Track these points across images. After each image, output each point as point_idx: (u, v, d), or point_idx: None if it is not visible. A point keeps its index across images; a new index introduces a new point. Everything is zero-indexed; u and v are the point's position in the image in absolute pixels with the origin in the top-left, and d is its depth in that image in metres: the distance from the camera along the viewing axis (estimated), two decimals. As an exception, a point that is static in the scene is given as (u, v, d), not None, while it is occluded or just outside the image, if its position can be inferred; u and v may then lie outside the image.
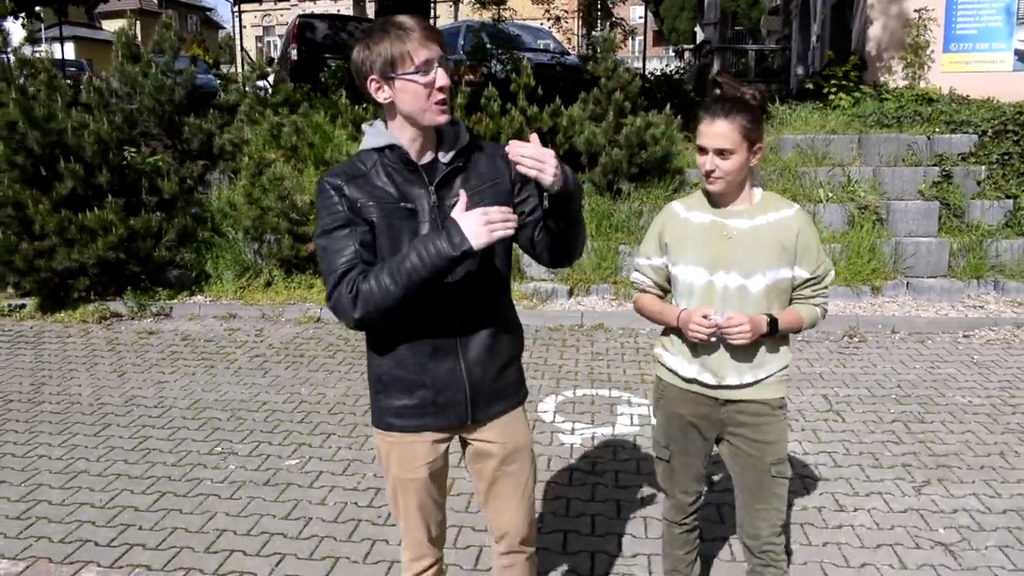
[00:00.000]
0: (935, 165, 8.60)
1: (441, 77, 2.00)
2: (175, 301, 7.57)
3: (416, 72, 1.98)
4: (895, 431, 4.73)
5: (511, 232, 1.95)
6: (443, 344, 2.13)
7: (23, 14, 16.50)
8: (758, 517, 2.53)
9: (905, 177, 8.48)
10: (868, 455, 4.40)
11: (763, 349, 2.47)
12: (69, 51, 43.93)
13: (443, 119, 2.05)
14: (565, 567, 3.33)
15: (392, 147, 2.07)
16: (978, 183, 8.53)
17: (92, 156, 7.29)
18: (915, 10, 11.54)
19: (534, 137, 2.03)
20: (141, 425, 4.92)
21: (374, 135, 2.12)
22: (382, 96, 2.03)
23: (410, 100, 2.01)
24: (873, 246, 7.84)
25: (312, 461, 4.41)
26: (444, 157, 2.11)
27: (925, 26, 11.49)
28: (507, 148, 1.99)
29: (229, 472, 4.28)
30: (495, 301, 2.22)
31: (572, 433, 4.73)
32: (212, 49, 42.93)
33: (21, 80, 7.23)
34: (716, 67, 23.66)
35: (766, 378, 2.49)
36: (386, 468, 2.26)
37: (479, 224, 1.91)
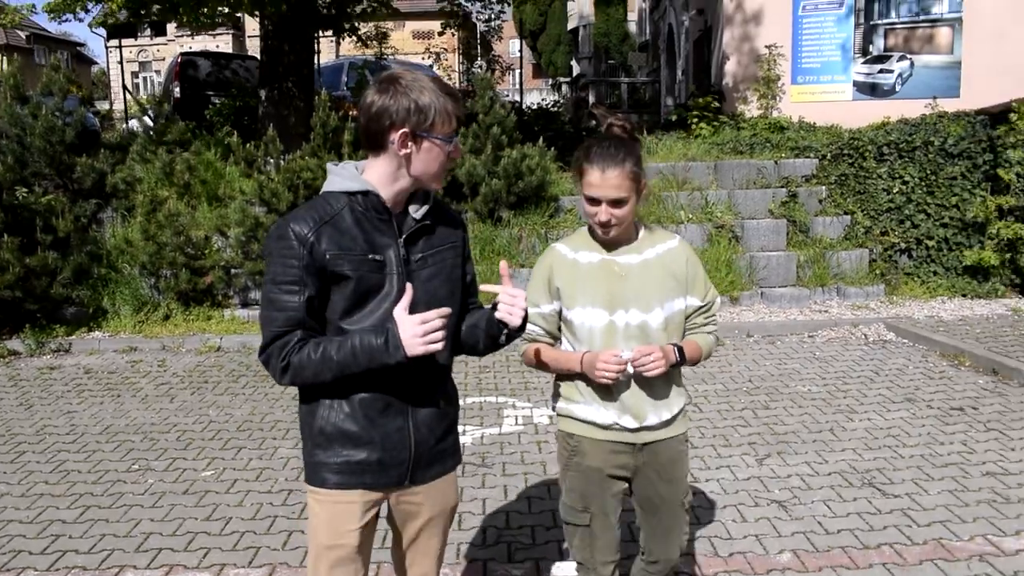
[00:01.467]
0: (782, 187, 9.58)
1: (457, 149, 2.07)
2: (73, 337, 7.72)
3: (448, 139, 2.01)
4: (744, 417, 5.45)
5: (441, 347, 1.95)
6: (396, 401, 2.09)
7: None
8: (671, 543, 2.58)
9: (756, 198, 9.42)
10: (720, 437, 5.10)
11: (671, 383, 2.50)
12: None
13: (440, 184, 2.11)
14: (460, 543, 3.85)
15: (367, 193, 2.03)
16: (820, 201, 9.55)
17: (-17, 197, 7.43)
18: (765, 46, 12.69)
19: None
20: (56, 451, 5.17)
21: (346, 178, 2.06)
22: (403, 151, 1.99)
23: (431, 162, 2.02)
24: (730, 261, 8.70)
25: (227, 472, 4.78)
26: (415, 212, 2.10)
27: (775, 60, 12.64)
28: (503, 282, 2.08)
29: (149, 485, 4.61)
30: (448, 360, 2.20)
31: (464, 434, 5.26)
32: (85, 84, 41.82)
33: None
34: (592, 98, 24.82)
35: (677, 412, 2.51)
36: (313, 532, 2.16)
37: (415, 335, 1.91)
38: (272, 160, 8.65)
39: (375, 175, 2.04)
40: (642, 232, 2.51)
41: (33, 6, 12.15)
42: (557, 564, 3.40)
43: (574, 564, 2.65)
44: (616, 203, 2.33)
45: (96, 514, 4.24)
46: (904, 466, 4.59)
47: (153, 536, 3.99)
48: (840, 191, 9.57)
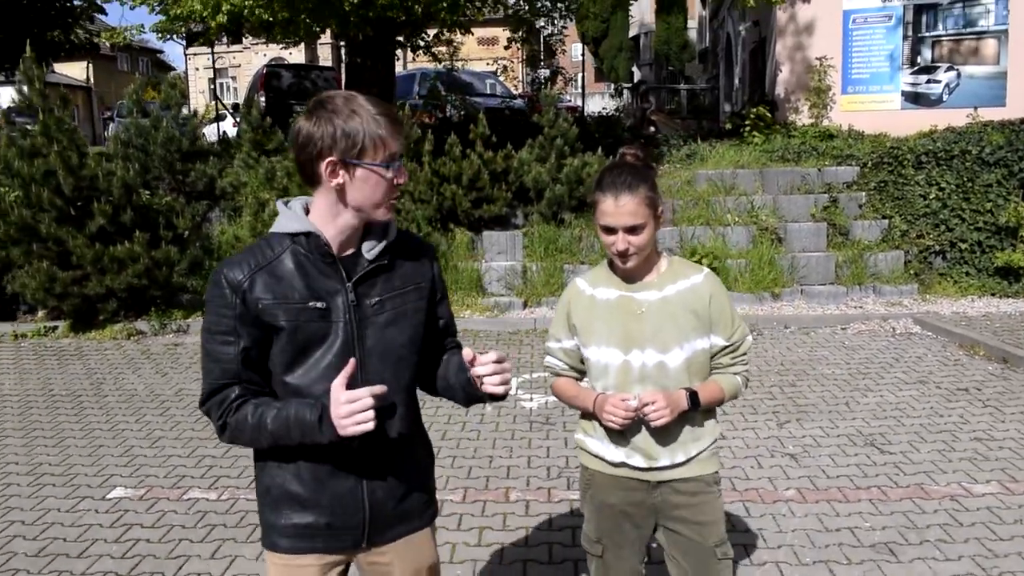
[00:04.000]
0: (824, 192, 10.34)
1: (402, 174, 1.91)
2: (190, 320, 8.89)
3: (384, 165, 1.85)
4: (772, 392, 6.31)
5: (370, 428, 1.79)
6: (344, 462, 1.95)
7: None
8: None
9: (799, 203, 10.20)
10: (748, 407, 5.96)
11: (687, 426, 2.38)
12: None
13: (390, 217, 1.95)
14: (529, 481, 4.80)
15: (308, 234, 1.89)
16: (859, 206, 10.27)
17: (118, 198, 8.63)
18: (816, 58, 13.39)
19: (467, 352, 1.97)
20: (194, 408, 6.26)
21: (290, 218, 1.93)
22: (334, 181, 1.84)
23: (368, 192, 1.86)
24: (772, 260, 9.49)
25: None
26: (368, 252, 1.95)
27: (825, 72, 13.34)
28: (472, 367, 1.95)
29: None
30: (405, 414, 2.04)
31: (531, 401, 6.22)
32: (165, 90, 44.18)
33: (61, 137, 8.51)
34: (652, 105, 25.55)
35: (698, 454, 2.41)
36: None
37: (343, 416, 1.78)
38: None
39: (317, 212, 1.91)
40: (664, 265, 2.42)
41: (142, 26, 13.44)
42: None
43: None
44: (632, 230, 2.27)
45: (237, 451, 5.30)
46: (903, 432, 5.41)
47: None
48: (879, 197, 10.27)
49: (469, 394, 2.03)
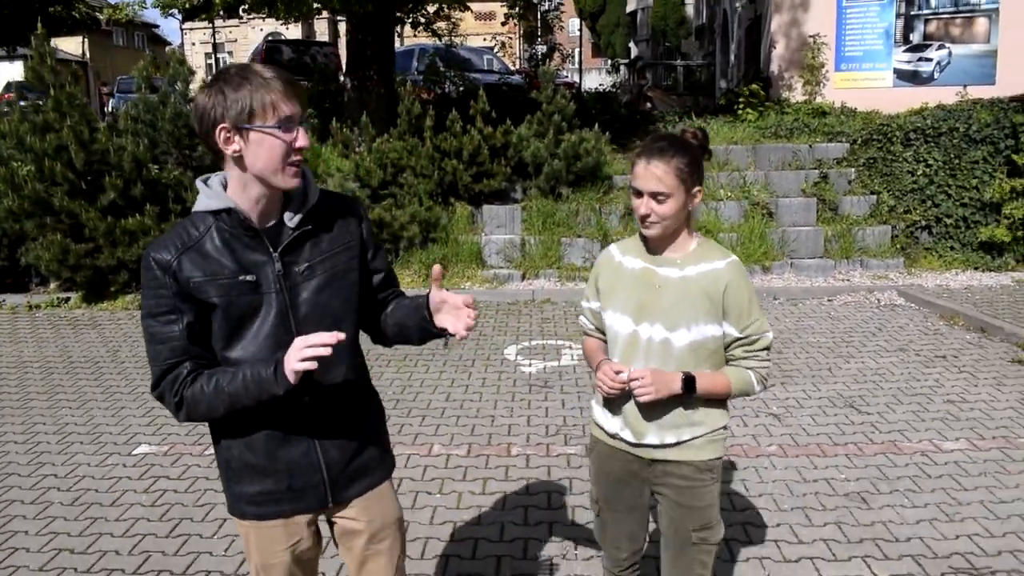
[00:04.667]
0: (815, 169, 10.62)
1: (301, 137, 1.89)
2: (199, 291, 9.17)
3: (277, 127, 1.84)
4: (759, 358, 6.61)
5: (314, 366, 1.81)
6: (295, 427, 2.02)
7: None
8: None
9: (790, 179, 10.48)
10: (736, 372, 6.27)
11: (680, 409, 2.36)
12: (19, 70, 44.52)
13: (295, 182, 1.92)
14: (529, 437, 5.12)
15: (229, 211, 1.91)
16: (849, 182, 10.56)
17: (129, 172, 8.88)
18: (810, 35, 13.61)
19: (436, 269, 2.01)
20: (209, 372, 6.56)
21: (210, 196, 1.94)
22: (231, 148, 1.85)
23: (264, 157, 1.86)
24: (763, 234, 9.79)
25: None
26: (290, 220, 1.96)
27: (819, 49, 13.56)
28: (437, 289, 2.01)
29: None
30: (354, 373, 2.10)
31: (530, 366, 6.54)
32: (173, 66, 44.10)
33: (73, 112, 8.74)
34: (649, 81, 25.70)
35: (691, 439, 2.39)
36: (248, 553, 2.16)
37: (295, 349, 1.82)
38: (364, 142, 9.98)
39: (233, 186, 1.93)
40: (693, 245, 2.40)
41: (144, 2, 13.59)
42: None
43: None
44: (657, 197, 2.26)
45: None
46: (881, 394, 5.73)
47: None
48: (868, 173, 10.56)
49: (423, 329, 2.07)
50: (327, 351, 1.80)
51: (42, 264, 8.79)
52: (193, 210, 1.97)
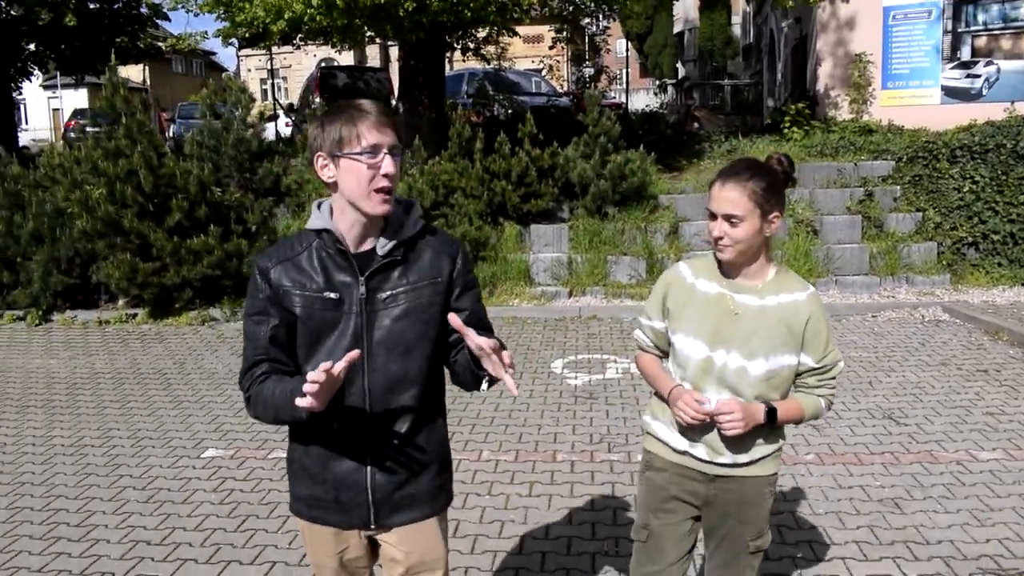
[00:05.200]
0: (860, 186, 10.70)
1: (388, 164, 1.97)
2: (258, 307, 9.57)
3: (362, 153, 1.95)
4: (800, 372, 6.76)
5: (316, 406, 1.85)
6: (350, 443, 2.09)
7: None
8: None
9: (835, 197, 10.58)
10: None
11: (759, 435, 2.38)
12: (83, 97, 46.26)
13: (383, 209, 2.00)
14: (574, 445, 5.34)
15: (326, 232, 2.05)
16: (894, 200, 10.62)
17: (194, 194, 9.34)
18: (856, 54, 13.70)
19: (452, 318, 1.97)
20: (270, 384, 6.91)
21: (316, 217, 2.10)
22: (327, 174, 2.01)
23: (352, 182, 1.98)
24: (808, 252, 9.90)
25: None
26: (381, 248, 2.05)
27: (865, 67, 13.64)
28: (473, 340, 1.95)
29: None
30: (418, 404, 2.13)
31: (576, 379, 6.77)
32: (235, 93, 45.52)
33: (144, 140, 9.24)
34: (696, 101, 25.85)
35: (761, 458, 2.41)
36: (306, 548, 2.30)
37: (298, 393, 1.87)
38: (416, 164, 10.35)
39: (335, 211, 2.08)
40: (771, 274, 2.40)
41: (206, 33, 14.21)
42: None
43: None
44: (730, 219, 2.26)
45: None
46: (920, 407, 5.84)
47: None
48: (914, 190, 10.61)
49: (474, 373, 2.09)
50: (315, 388, 1.82)
51: (112, 282, 9.28)
52: (305, 227, 2.14)
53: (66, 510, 4.61)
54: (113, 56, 9.29)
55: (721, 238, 2.29)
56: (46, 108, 47.49)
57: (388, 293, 2.05)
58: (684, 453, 2.43)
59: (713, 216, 2.31)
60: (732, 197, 2.25)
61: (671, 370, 2.50)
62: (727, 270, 2.39)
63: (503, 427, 5.67)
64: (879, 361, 7.04)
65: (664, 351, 2.57)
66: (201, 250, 9.15)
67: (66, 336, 9.00)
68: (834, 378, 2.42)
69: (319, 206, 2.13)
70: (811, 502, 4.39)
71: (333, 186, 2.03)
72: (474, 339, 1.94)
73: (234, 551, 4.08)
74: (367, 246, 2.06)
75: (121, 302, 9.94)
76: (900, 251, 10.09)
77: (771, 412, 2.31)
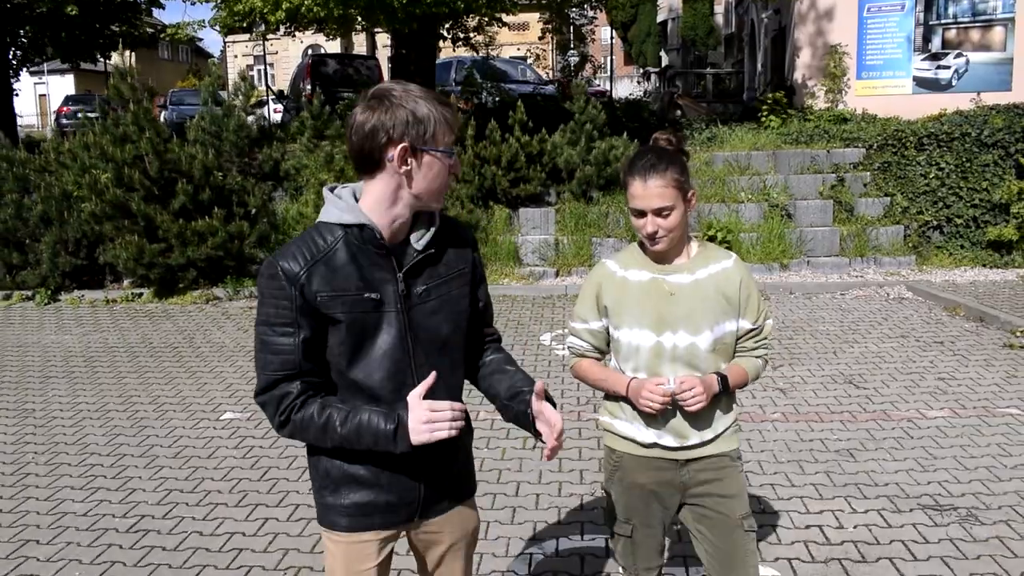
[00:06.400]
0: (832, 173, 11.25)
1: (457, 164, 1.96)
2: (259, 287, 10.03)
3: (447, 153, 1.90)
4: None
5: (453, 434, 1.89)
6: None
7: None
8: (735, 570, 2.48)
9: (808, 182, 11.13)
10: (749, 355, 6.96)
11: (716, 407, 2.44)
12: (70, 83, 46.16)
13: (441, 204, 2.00)
14: (562, 406, 5.85)
15: (363, 227, 1.91)
16: (864, 185, 11.18)
17: (198, 178, 9.76)
18: (832, 45, 14.22)
19: (539, 385, 2.02)
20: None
21: (342, 209, 1.94)
22: (404, 167, 1.86)
23: (432, 179, 1.90)
24: (782, 234, 10.44)
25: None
26: (417, 242, 1.98)
27: (841, 58, 14.16)
28: (538, 404, 1.99)
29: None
30: (456, 395, 2.10)
31: (563, 350, 7.27)
32: (236, 82, 45.45)
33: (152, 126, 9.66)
34: (678, 90, 26.32)
35: (724, 431, 2.47)
36: (330, 570, 2.13)
37: (422, 422, 1.87)
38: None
39: (371, 201, 1.92)
40: (695, 249, 2.46)
41: (203, 22, 14.55)
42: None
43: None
44: (661, 212, 2.30)
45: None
46: (879, 373, 6.39)
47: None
48: (883, 176, 11.17)
49: (519, 419, 2.09)
50: (455, 432, 1.91)
51: (120, 262, 9.70)
52: (320, 219, 1.96)
53: (101, 465, 5.08)
54: (121, 44, 9.65)
55: (655, 232, 2.34)
56: (32, 94, 47.47)
57: (422, 288, 1.98)
58: (653, 445, 2.46)
59: (641, 213, 2.34)
60: (659, 192, 2.29)
61: (618, 367, 2.52)
62: (656, 256, 2.44)
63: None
64: (844, 334, 7.58)
65: (603, 351, 2.58)
66: (205, 232, 9.58)
67: (76, 314, 9.42)
68: (767, 337, 2.52)
69: (334, 192, 2.00)
70: (775, 452, 4.93)
71: (401, 178, 1.90)
72: (547, 418, 2.00)
73: (259, 496, 4.57)
74: (399, 240, 1.98)
75: (127, 282, 10.36)
76: (869, 234, 10.65)
77: (724, 379, 2.41)
